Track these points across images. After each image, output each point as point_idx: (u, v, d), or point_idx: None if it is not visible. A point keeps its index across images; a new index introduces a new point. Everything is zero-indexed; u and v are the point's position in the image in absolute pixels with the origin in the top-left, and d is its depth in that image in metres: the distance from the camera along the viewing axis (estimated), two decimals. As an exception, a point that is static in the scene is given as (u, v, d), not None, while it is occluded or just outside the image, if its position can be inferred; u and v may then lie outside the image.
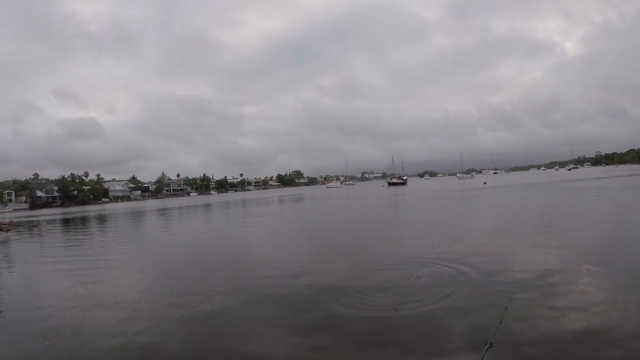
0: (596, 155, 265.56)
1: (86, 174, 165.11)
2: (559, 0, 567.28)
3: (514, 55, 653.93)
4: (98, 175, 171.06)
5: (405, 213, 29.98)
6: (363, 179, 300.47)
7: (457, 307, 7.04)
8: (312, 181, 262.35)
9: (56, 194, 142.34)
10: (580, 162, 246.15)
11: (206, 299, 8.55)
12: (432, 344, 5.83)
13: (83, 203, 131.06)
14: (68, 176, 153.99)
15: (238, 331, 6.80)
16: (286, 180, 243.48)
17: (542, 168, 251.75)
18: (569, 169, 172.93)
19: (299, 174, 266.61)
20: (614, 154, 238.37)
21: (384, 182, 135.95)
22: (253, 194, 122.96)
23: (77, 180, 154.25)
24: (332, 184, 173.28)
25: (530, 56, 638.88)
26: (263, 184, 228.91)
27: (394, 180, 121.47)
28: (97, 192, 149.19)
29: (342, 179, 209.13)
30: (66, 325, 7.34)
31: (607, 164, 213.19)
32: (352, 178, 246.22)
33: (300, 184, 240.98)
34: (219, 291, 9.16)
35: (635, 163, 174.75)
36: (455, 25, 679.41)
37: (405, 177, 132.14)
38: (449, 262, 10.35)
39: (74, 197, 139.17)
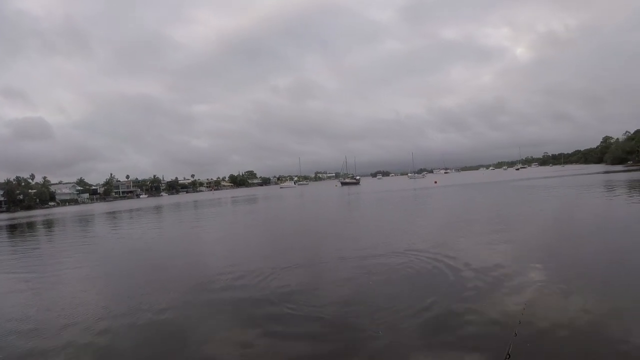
0: (543, 156, 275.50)
1: (32, 177, 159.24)
2: (506, 11, 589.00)
3: (465, 60, 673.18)
4: (44, 177, 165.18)
5: (357, 212, 30.87)
6: (316, 178, 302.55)
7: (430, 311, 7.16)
8: (266, 181, 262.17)
9: (1, 198, 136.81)
10: (528, 162, 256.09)
11: (163, 305, 8.56)
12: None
13: (29, 207, 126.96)
14: (14, 179, 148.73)
15: (195, 336, 6.86)
16: (239, 181, 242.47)
17: (491, 168, 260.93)
18: (517, 169, 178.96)
19: (252, 174, 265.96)
20: (560, 154, 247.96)
21: (337, 182, 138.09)
22: (205, 195, 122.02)
23: (23, 184, 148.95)
24: (286, 184, 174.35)
25: (480, 61, 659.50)
26: (215, 185, 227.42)
27: (347, 180, 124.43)
28: (44, 195, 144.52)
29: (295, 179, 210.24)
30: (18, 339, 7.30)
31: (554, 164, 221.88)
32: (306, 178, 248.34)
33: (253, 185, 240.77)
34: (175, 296, 9.21)
35: (580, 163, 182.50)
36: (408, 30, 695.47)
37: (358, 177, 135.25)
38: (407, 258, 10.99)
39: (20, 201, 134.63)
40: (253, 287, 9.57)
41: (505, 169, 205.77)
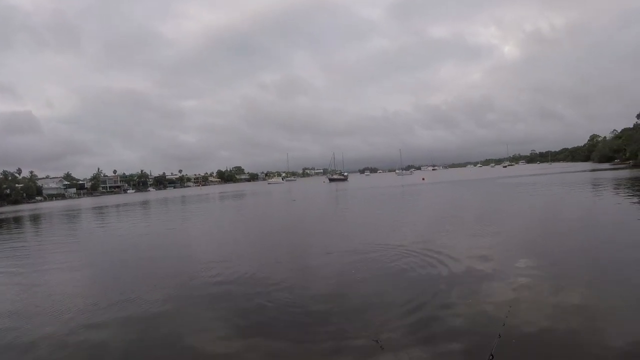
0: (531, 154, 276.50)
1: (19, 171, 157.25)
2: (495, 9, 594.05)
3: (453, 58, 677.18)
4: (31, 172, 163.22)
5: (345, 209, 30.89)
6: (304, 175, 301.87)
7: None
8: (254, 177, 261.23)
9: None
10: (515, 159, 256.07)
11: (150, 303, 8.56)
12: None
13: (16, 202, 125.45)
14: (0, 173, 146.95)
15: (182, 335, 6.87)
16: (227, 177, 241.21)
17: (479, 165, 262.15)
18: (504, 166, 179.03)
19: (239, 170, 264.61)
20: (547, 152, 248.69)
21: (324, 179, 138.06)
22: (193, 191, 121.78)
23: (10, 178, 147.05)
24: (273, 180, 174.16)
25: (468, 59, 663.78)
26: (203, 181, 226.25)
27: (335, 177, 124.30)
28: (31, 190, 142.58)
29: (283, 175, 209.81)
30: (10, 338, 7.26)
31: (542, 161, 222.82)
32: (294, 174, 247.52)
33: (241, 180, 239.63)
34: (162, 293, 9.15)
35: (568, 161, 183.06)
36: (397, 28, 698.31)
37: (345, 173, 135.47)
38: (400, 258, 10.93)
39: (6, 196, 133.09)
40: (240, 287, 9.43)
41: (492, 167, 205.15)
